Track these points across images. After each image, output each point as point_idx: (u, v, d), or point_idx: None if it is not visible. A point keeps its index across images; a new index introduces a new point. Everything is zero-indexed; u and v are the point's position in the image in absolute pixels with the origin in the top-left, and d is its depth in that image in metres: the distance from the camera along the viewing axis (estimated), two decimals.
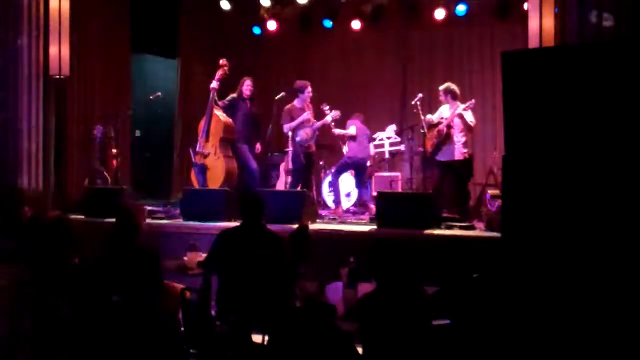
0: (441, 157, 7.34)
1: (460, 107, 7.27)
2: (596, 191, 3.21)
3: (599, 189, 3.21)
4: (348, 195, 8.57)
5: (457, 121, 7.26)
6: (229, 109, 7.82)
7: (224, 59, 7.82)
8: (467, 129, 7.32)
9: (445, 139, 7.28)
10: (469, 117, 7.29)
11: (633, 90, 3.16)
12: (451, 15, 9.58)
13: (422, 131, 7.45)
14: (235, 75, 8.02)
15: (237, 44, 10.57)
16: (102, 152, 8.24)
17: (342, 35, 10.40)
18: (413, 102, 7.59)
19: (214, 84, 7.65)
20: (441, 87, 7.53)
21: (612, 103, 3.22)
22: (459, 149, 7.28)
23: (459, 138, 7.28)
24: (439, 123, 7.39)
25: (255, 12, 10.34)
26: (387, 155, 9.16)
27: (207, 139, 7.62)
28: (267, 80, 9.82)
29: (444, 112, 7.45)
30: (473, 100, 7.36)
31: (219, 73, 7.73)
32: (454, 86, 7.45)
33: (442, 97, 7.48)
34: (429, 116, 7.60)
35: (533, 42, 6.62)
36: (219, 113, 7.66)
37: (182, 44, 10.48)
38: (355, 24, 10.23)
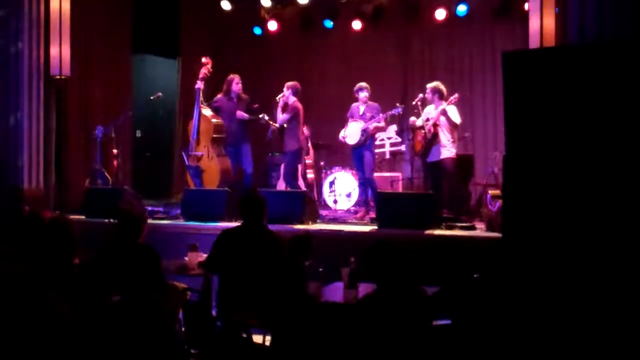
0: (430, 158, 7.24)
1: (444, 103, 7.18)
2: (597, 191, 3.21)
3: (600, 189, 3.21)
4: (349, 195, 8.57)
5: (443, 120, 7.15)
6: (216, 109, 7.77)
7: (207, 57, 7.77)
8: (453, 126, 7.21)
9: (433, 139, 7.18)
10: (454, 114, 7.16)
11: (633, 90, 3.16)
12: (452, 15, 9.58)
13: (423, 131, 7.33)
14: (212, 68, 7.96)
15: (237, 44, 10.57)
16: (102, 153, 8.24)
17: (342, 36, 10.39)
18: (414, 103, 7.55)
19: (199, 84, 7.60)
20: (429, 85, 7.38)
21: (612, 103, 3.21)
22: (447, 149, 7.15)
23: (447, 137, 7.16)
24: (424, 124, 7.29)
25: (255, 12, 10.35)
26: (387, 156, 9.15)
27: (198, 141, 7.58)
28: (267, 80, 9.81)
29: (430, 112, 7.36)
30: (457, 95, 7.21)
31: (202, 72, 7.67)
32: (442, 86, 7.36)
33: (428, 96, 7.34)
34: (412, 118, 7.52)
35: (534, 42, 6.62)
36: (207, 113, 7.61)
37: (183, 44, 10.48)
38: (356, 24, 10.23)
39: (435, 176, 7.27)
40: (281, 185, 8.30)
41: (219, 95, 7.84)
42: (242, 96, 7.80)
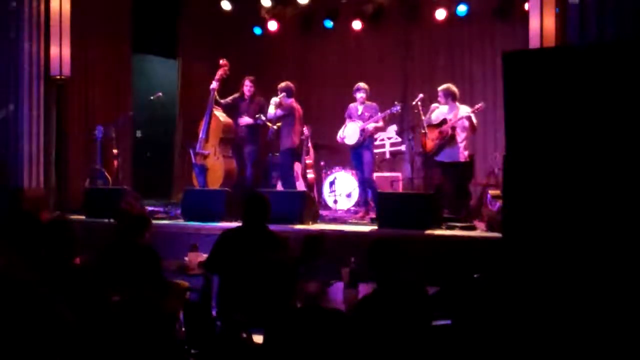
0: (443, 158, 7.20)
1: (467, 110, 7.13)
2: (597, 191, 3.21)
3: (600, 189, 3.21)
4: (349, 195, 8.57)
5: (461, 123, 7.14)
6: (231, 109, 7.84)
7: (224, 59, 7.83)
8: (472, 131, 7.22)
9: (450, 140, 7.15)
10: (475, 120, 7.18)
11: (633, 91, 3.16)
12: (452, 15, 9.57)
13: (423, 131, 7.31)
14: (236, 76, 8.03)
15: (237, 44, 10.56)
16: (102, 153, 8.24)
17: (342, 36, 10.39)
18: (414, 103, 7.51)
19: (214, 85, 7.69)
20: (441, 88, 7.35)
21: (612, 104, 3.22)
22: (461, 151, 7.17)
23: (461, 139, 7.18)
24: (441, 123, 7.26)
25: (256, 13, 10.34)
26: (387, 156, 9.15)
27: (206, 139, 7.67)
28: (267, 80, 9.81)
29: (445, 112, 7.33)
30: (482, 104, 7.22)
31: (218, 73, 7.76)
32: (454, 87, 7.34)
33: (441, 99, 7.32)
34: (435, 105, 7.39)
35: (534, 43, 6.62)
36: (218, 113, 7.70)
37: (183, 45, 10.48)
38: (356, 24, 10.23)
39: (443, 176, 7.25)
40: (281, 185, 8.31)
41: (236, 95, 7.94)
42: (256, 99, 7.85)
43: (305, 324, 3.13)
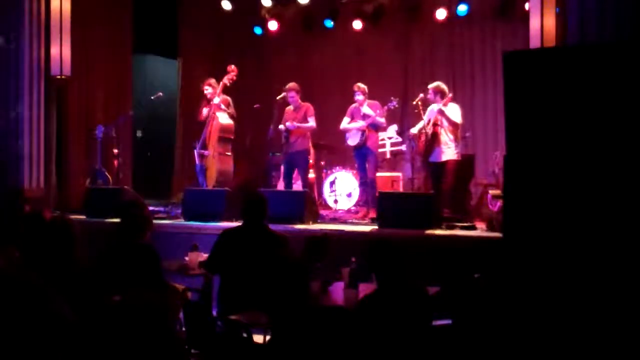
0: (432, 158, 7.17)
1: (439, 104, 7.10)
2: (598, 192, 3.21)
3: (601, 190, 3.21)
4: (349, 195, 8.57)
5: (443, 120, 7.07)
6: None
7: (232, 66, 7.85)
8: (453, 126, 7.11)
9: (433, 139, 7.11)
10: (453, 113, 7.08)
11: (634, 91, 3.16)
12: (452, 15, 9.58)
13: (417, 133, 7.31)
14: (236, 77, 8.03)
15: (238, 44, 10.57)
16: (103, 152, 8.25)
17: (343, 36, 10.40)
18: (414, 102, 7.52)
19: (218, 89, 7.74)
20: (431, 86, 7.30)
21: (613, 104, 3.22)
22: (450, 150, 7.08)
23: (449, 138, 7.08)
24: (428, 122, 7.22)
25: (256, 12, 10.36)
26: (388, 155, 9.15)
27: (207, 140, 7.76)
28: (268, 80, 9.82)
29: (434, 111, 7.28)
30: (450, 95, 7.17)
31: (226, 77, 7.77)
32: (443, 85, 7.28)
33: (430, 97, 7.27)
34: (412, 131, 7.44)
35: (534, 42, 6.62)
36: (219, 114, 7.73)
37: (183, 44, 10.49)
38: (357, 24, 10.24)
39: (435, 176, 7.24)
40: (281, 185, 8.32)
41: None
42: (221, 99, 7.89)
43: (306, 323, 3.14)
